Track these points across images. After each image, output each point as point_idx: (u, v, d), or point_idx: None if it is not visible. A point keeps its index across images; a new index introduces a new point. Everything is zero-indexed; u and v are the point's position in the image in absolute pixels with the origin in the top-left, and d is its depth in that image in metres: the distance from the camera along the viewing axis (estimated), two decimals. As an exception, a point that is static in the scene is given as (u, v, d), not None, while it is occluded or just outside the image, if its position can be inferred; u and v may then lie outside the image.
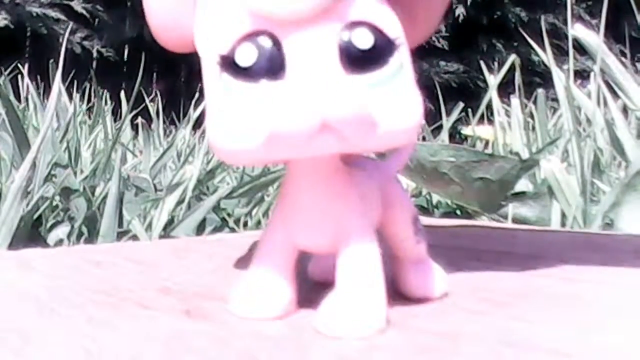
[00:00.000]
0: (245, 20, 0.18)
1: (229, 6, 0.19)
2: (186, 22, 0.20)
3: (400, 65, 0.19)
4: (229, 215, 0.69)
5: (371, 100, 0.18)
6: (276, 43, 0.18)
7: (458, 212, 0.70)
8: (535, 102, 0.93)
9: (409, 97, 0.19)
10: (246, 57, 0.18)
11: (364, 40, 0.18)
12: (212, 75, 0.19)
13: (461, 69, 4.12)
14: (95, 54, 3.97)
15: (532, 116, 0.95)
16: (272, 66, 0.18)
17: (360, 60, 0.18)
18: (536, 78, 3.25)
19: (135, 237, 0.58)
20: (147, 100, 1.58)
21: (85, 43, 3.94)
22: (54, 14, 3.88)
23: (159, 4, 0.22)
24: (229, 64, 0.18)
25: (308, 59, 0.18)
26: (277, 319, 0.20)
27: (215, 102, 0.19)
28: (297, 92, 0.18)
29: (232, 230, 0.66)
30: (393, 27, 0.19)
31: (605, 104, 0.77)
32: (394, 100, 0.18)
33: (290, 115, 0.17)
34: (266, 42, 0.18)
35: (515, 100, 0.92)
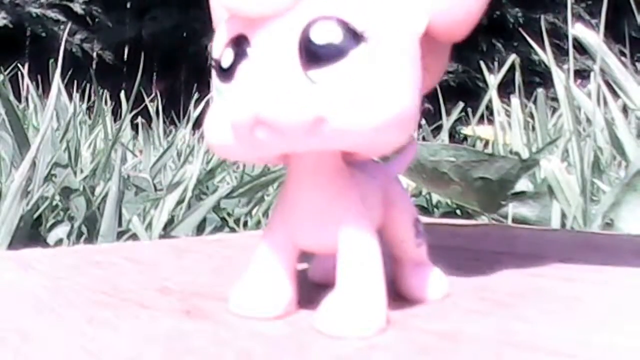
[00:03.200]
0: (232, 27, 0.19)
1: (224, 14, 0.20)
2: None
3: (369, 60, 0.18)
4: (229, 215, 0.69)
5: (322, 97, 0.17)
6: (249, 44, 0.19)
7: (458, 212, 0.70)
8: (535, 102, 0.93)
9: (372, 96, 0.17)
10: (227, 59, 0.19)
11: (322, 34, 0.18)
12: (213, 77, 0.20)
13: (460, 69, 4.12)
14: (94, 57, 3.97)
15: (532, 116, 0.95)
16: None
17: (317, 54, 0.18)
18: (536, 78, 3.25)
19: (135, 237, 0.58)
20: (147, 100, 1.58)
21: (85, 45, 3.94)
22: (53, 14, 3.88)
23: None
24: (218, 67, 0.19)
25: (266, 56, 0.18)
26: (277, 319, 0.20)
27: (213, 102, 0.20)
28: (240, 89, 0.18)
29: (232, 230, 0.66)
30: (362, 19, 0.18)
31: (605, 103, 0.78)
32: (350, 96, 0.17)
33: (233, 110, 0.18)
34: (242, 45, 0.19)
35: (515, 100, 0.92)
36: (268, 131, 0.18)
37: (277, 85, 0.17)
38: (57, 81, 0.68)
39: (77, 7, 3.96)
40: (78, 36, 3.91)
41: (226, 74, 0.19)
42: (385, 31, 0.18)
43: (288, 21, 0.18)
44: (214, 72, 0.20)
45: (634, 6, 0.88)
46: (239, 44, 0.19)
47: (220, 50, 0.19)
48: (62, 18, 3.85)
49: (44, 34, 3.80)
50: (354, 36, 0.18)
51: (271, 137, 0.18)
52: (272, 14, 0.18)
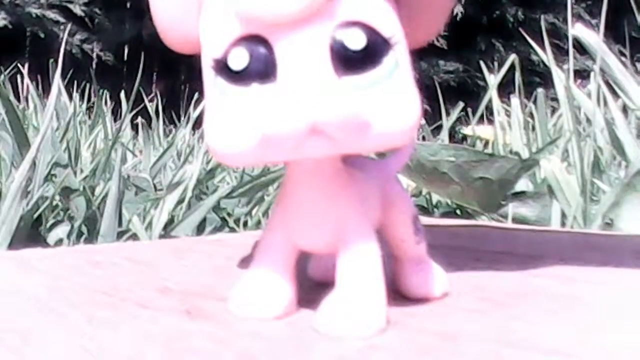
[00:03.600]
0: (237, 24, 0.18)
1: (222, 10, 0.19)
2: (191, 24, 0.20)
3: (396, 64, 0.18)
4: (229, 215, 0.69)
5: (363, 102, 0.18)
6: (268, 46, 0.18)
7: (458, 212, 0.70)
8: (535, 102, 0.93)
9: (404, 98, 0.18)
10: (238, 61, 0.18)
11: (356, 41, 0.18)
12: (209, 78, 0.19)
13: (460, 69, 4.12)
14: (94, 58, 3.97)
15: (532, 116, 0.95)
16: (264, 70, 0.18)
17: (352, 61, 0.18)
18: (536, 78, 3.25)
19: (135, 237, 0.58)
20: (146, 100, 1.58)
21: (85, 46, 3.94)
22: (53, 15, 3.88)
23: (164, 5, 0.22)
24: (222, 67, 0.18)
25: (299, 61, 0.18)
26: (277, 319, 0.20)
27: (211, 105, 0.19)
28: (286, 96, 0.17)
29: (232, 230, 0.66)
30: (388, 25, 0.18)
31: (605, 103, 0.77)
32: (388, 101, 0.18)
33: (279, 119, 0.17)
34: (258, 46, 0.18)
35: (515, 100, 0.92)
36: (320, 139, 0.17)
37: (329, 93, 0.17)
38: (57, 81, 0.68)
39: (77, 9, 3.96)
40: (78, 37, 3.91)
41: (240, 76, 0.18)
42: (401, 36, 0.19)
43: (317, 26, 0.18)
44: (211, 73, 0.19)
45: (634, 6, 0.88)
46: (254, 45, 0.18)
47: (223, 48, 0.18)
48: (61, 19, 3.85)
49: (43, 35, 3.80)
50: (385, 43, 0.18)
51: (320, 145, 0.18)
52: (296, 20, 0.18)
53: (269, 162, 0.20)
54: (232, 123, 0.18)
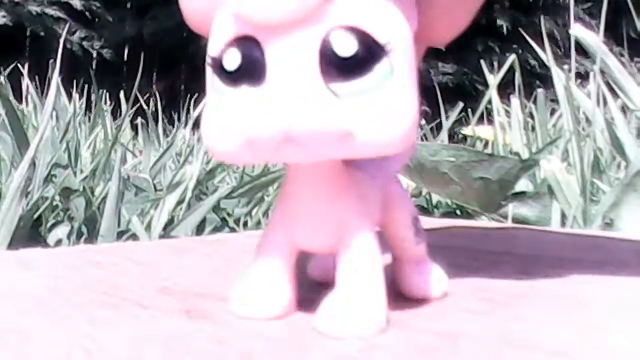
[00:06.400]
0: (234, 24, 0.18)
1: (225, 9, 0.19)
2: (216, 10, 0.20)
3: (391, 71, 0.18)
4: (229, 215, 0.69)
5: (346, 111, 0.17)
6: (260, 49, 0.18)
7: (458, 212, 0.70)
8: (535, 102, 0.94)
9: (394, 107, 0.17)
10: (231, 61, 0.18)
11: (346, 47, 0.17)
12: (208, 74, 0.19)
13: (459, 70, 4.13)
14: (95, 55, 3.97)
15: (532, 116, 0.95)
16: (253, 72, 0.18)
17: (341, 67, 0.17)
18: (533, 80, 3.26)
19: (135, 237, 0.58)
20: (145, 100, 1.58)
21: (85, 44, 3.95)
22: (53, 12, 3.88)
23: None
24: (217, 66, 0.18)
25: (286, 66, 0.17)
26: (277, 319, 0.20)
27: (209, 101, 0.19)
28: (266, 102, 0.17)
29: (232, 230, 0.66)
30: (384, 31, 0.18)
31: (605, 103, 0.78)
32: (376, 110, 0.17)
33: (257, 124, 0.17)
34: (250, 48, 0.18)
35: (515, 100, 0.92)
36: (295, 146, 0.17)
37: (307, 101, 0.17)
38: (55, 81, 0.68)
39: (78, 5, 3.96)
40: (78, 34, 3.92)
41: (232, 77, 0.18)
42: (400, 40, 0.18)
43: (308, 29, 0.17)
44: (210, 71, 0.19)
45: (632, 8, 0.88)
46: (247, 46, 0.18)
47: (219, 48, 0.18)
48: (62, 16, 3.85)
49: (43, 33, 3.80)
50: (378, 49, 0.17)
51: (297, 151, 0.17)
52: (288, 23, 0.17)
53: (259, 162, 0.20)
54: (222, 122, 0.18)
